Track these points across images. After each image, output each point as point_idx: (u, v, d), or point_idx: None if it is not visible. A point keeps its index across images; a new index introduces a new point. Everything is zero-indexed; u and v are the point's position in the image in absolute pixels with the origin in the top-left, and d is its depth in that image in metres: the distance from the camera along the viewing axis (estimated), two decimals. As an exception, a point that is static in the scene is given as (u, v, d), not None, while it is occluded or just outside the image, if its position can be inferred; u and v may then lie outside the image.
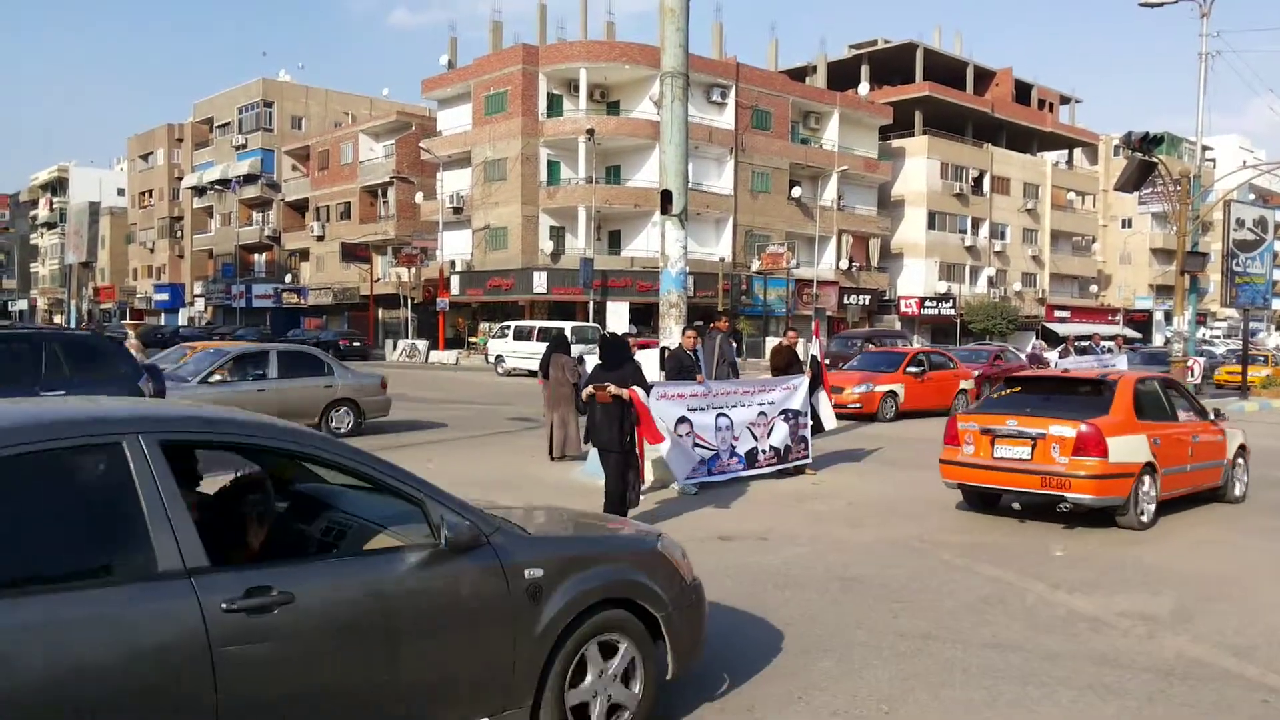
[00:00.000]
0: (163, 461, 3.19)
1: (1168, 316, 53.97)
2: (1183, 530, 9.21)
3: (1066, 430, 8.83)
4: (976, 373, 22.39)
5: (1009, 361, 26.40)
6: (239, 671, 3.08)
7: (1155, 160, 22.95)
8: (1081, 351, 24.03)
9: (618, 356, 8.82)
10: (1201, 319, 58.88)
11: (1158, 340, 60.03)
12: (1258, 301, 28.04)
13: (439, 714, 3.65)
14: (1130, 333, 63.47)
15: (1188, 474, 9.87)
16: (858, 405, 18.75)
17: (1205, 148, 28.98)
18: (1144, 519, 9.11)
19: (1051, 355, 23.41)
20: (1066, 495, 8.78)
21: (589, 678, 3.99)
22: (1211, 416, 10.60)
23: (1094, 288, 72.25)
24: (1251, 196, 56.37)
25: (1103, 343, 28.45)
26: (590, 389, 8.64)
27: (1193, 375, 24.38)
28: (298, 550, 3.92)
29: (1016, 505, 9.91)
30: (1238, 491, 10.81)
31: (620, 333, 9.76)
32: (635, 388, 8.57)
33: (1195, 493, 10.21)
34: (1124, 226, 76.03)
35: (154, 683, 2.95)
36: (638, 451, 8.84)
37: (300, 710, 3.26)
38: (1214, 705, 4.85)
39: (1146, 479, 9.12)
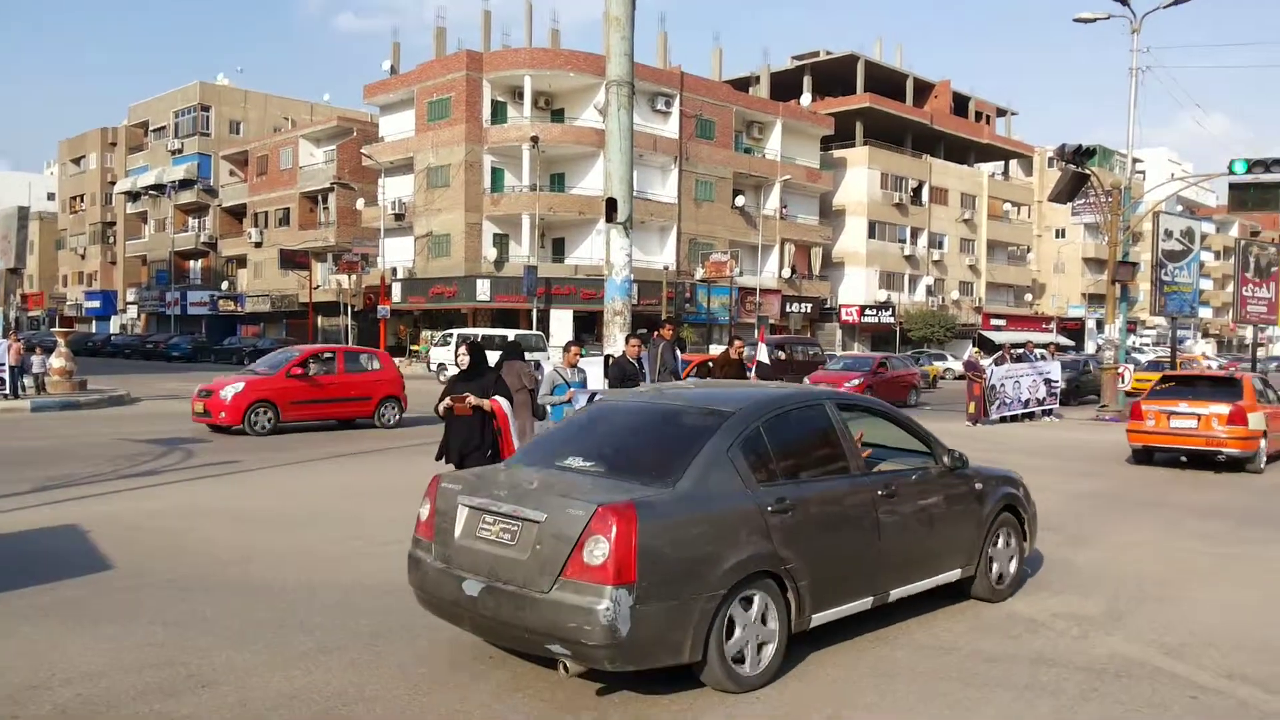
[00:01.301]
0: (840, 415, 5.97)
1: (1099, 324, 55.30)
2: (1115, 534, 9.44)
3: (1222, 409, 13.87)
4: (854, 381, 24.35)
5: (893, 369, 27.18)
6: (887, 519, 5.86)
7: (1088, 172, 23.56)
8: (1017, 359, 24.50)
9: (480, 366, 8.36)
10: (1132, 327, 60.52)
11: (1090, 348, 61.54)
12: (1185, 310, 28.89)
13: (944, 564, 6.38)
14: (1064, 340, 64.93)
15: (1277, 438, 14.73)
16: None
17: (1135, 160, 29.80)
18: (1261, 466, 14.20)
19: (987, 362, 23.86)
20: (1223, 449, 13.85)
21: (999, 544, 6.89)
22: None
23: (1029, 296, 73.84)
24: (1179, 208, 58.16)
25: (1036, 350, 29.04)
26: (448, 401, 8.07)
27: (1123, 382, 25.03)
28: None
29: (1184, 459, 14.67)
30: None
31: (479, 340, 8.86)
32: (498, 398, 8.11)
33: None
34: (1058, 237, 77.84)
35: (844, 513, 5.64)
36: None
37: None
38: (1145, 702, 4.97)
39: (1263, 440, 14.08)
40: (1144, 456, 14.98)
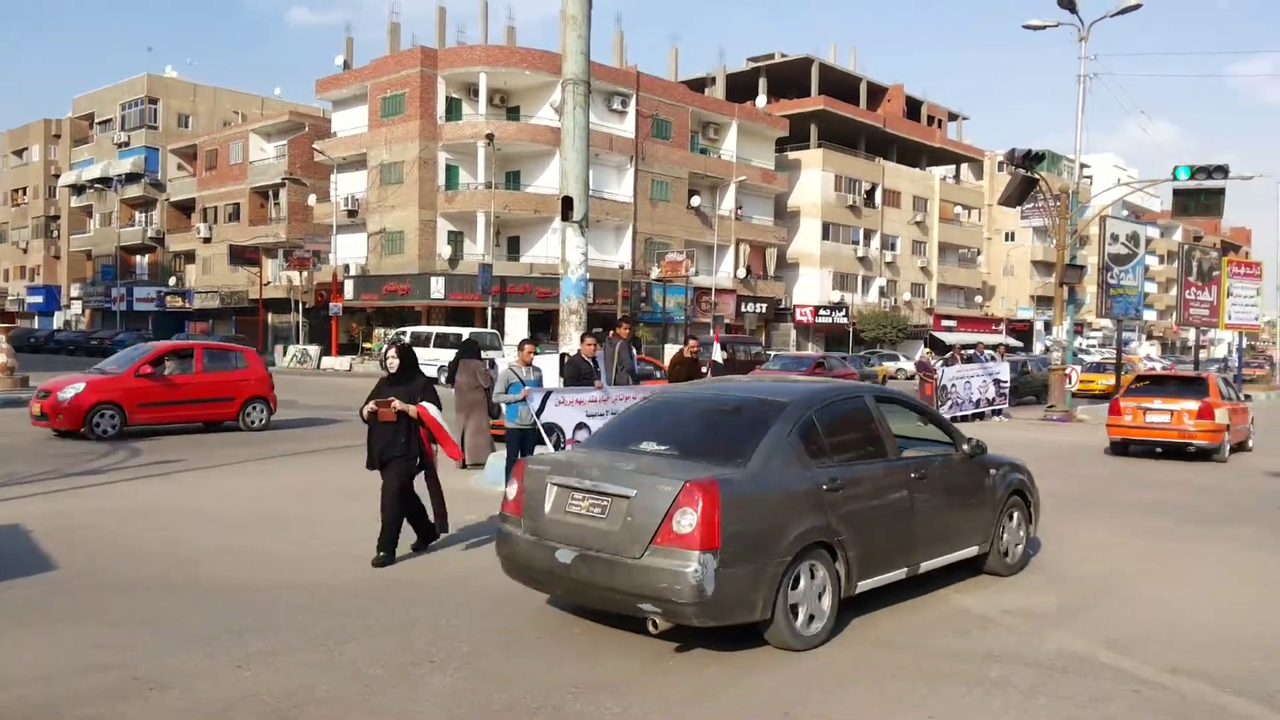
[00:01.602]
0: (879, 407, 6.71)
1: (1047, 326, 56.26)
2: (1067, 532, 9.59)
3: (1192, 405, 15.57)
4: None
5: (830, 369, 27.58)
6: (919, 499, 6.60)
7: (1037, 176, 23.94)
8: (967, 360, 24.85)
9: (409, 369, 7.77)
10: (1079, 329, 61.60)
11: (1038, 349, 62.59)
12: (1130, 312, 29.47)
13: (965, 541, 7.07)
14: (1012, 342, 65.87)
15: (1238, 431, 16.58)
16: None
17: (1083, 166, 30.32)
18: (1226, 455, 15.90)
19: (938, 363, 24.18)
20: (1193, 442, 15.50)
21: (1010, 524, 7.60)
22: (1245, 398, 17.81)
23: (979, 298, 74.92)
24: (1125, 213, 59.27)
25: (986, 351, 29.49)
26: (372, 405, 7.50)
27: (1070, 382, 25.49)
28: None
29: (1159, 450, 16.27)
30: (1251, 444, 17.60)
31: (407, 342, 8.23)
32: (425, 404, 7.55)
33: (1239, 442, 16.84)
34: (1007, 240, 79.06)
35: (884, 492, 6.36)
36: (435, 476, 7.95)
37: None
38: (1091, 697, 5.06)
39: (1227, 433, 15.78)
40: (1121, 449, 16.56)
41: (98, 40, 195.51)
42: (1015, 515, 7.64)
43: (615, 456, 5.93)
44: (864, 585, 6.07)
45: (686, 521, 5.17)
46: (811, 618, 5.69)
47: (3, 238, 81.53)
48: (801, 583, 5.62)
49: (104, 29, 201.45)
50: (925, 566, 6.63)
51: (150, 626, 5.83)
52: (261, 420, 17.14)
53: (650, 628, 5.50)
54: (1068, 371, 25.56)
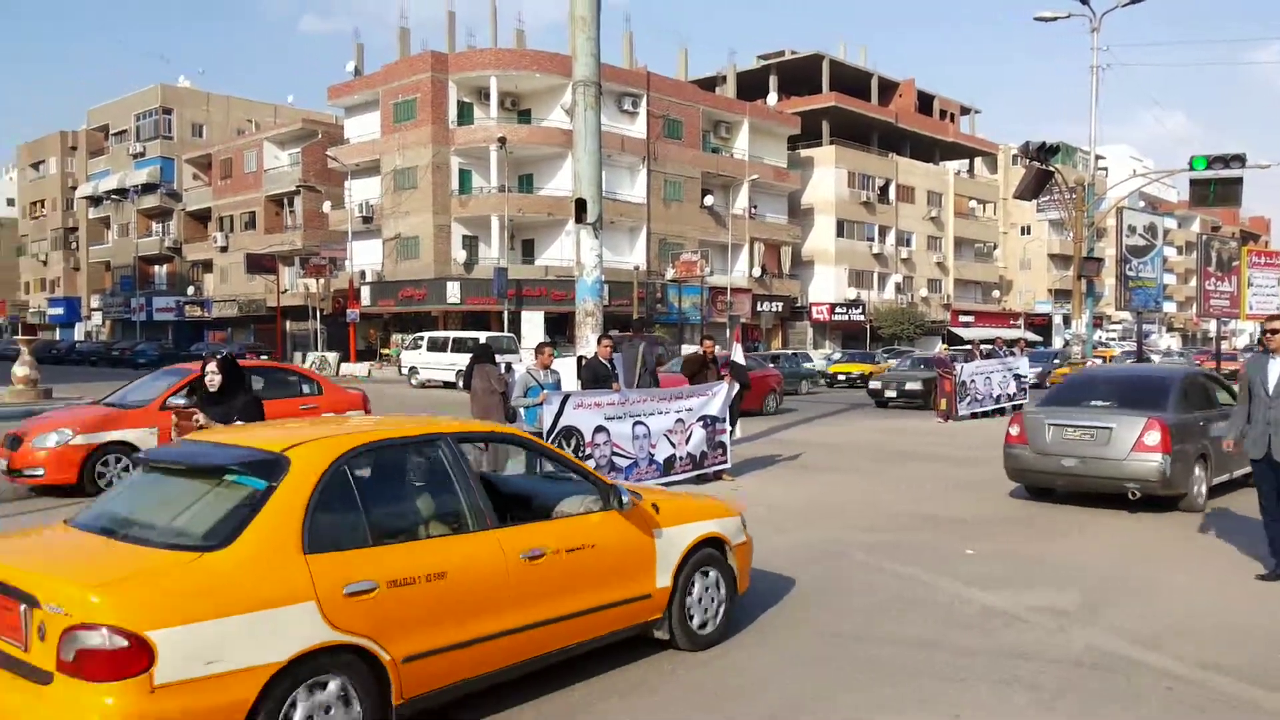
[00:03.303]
0: (1203, 379, 11.97)
1: (1066, 320, 55.93)
2: (1089, 527, 9.52)
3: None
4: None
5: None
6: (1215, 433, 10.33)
7: (1052, 169, 23.80)
8: (986, 355, 24.71)
9: (233, 386, 6.83)
10: (1098, 322, 61.20)
11: (1057, 343, 62.23)
12: (1150, 304, 29.28)
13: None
14: (1031, 336, 65.65)
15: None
16: None
17: (1098, 157, 30.14)
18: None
19: (958, 360, 24.04)
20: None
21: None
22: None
23: (996, 293, 74.56)
24: (1142, 204, 58.92)
25: (1004, 346, 29.33)
26: (172, 420, 6.75)
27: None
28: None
29: None
30: None
31: (233, 355, 7.87)
32: (242, 424, 6.46)
33: None
34: (1023, 233, 78.65)
35: (1208, 422, 10.67)
36: None
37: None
38: (1122, 693, 5.01)
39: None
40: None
41: (111, 52, 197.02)
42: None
43: (1079, 409, 10.43)
44: (1217, 480, 10.59)
45: (1152, 439, 9.58)
46: (1200, 495, 10.17)
47: (22, 250, 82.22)
48: (1200, 476, 10.16)
49: (117, 40, 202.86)
50: (1238, 473, 10.63)
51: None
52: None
53: (1130, 496, 9.79)
54: (1088, 364, 25.37)
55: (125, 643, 3.46)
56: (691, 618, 5.62)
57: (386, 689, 4.10)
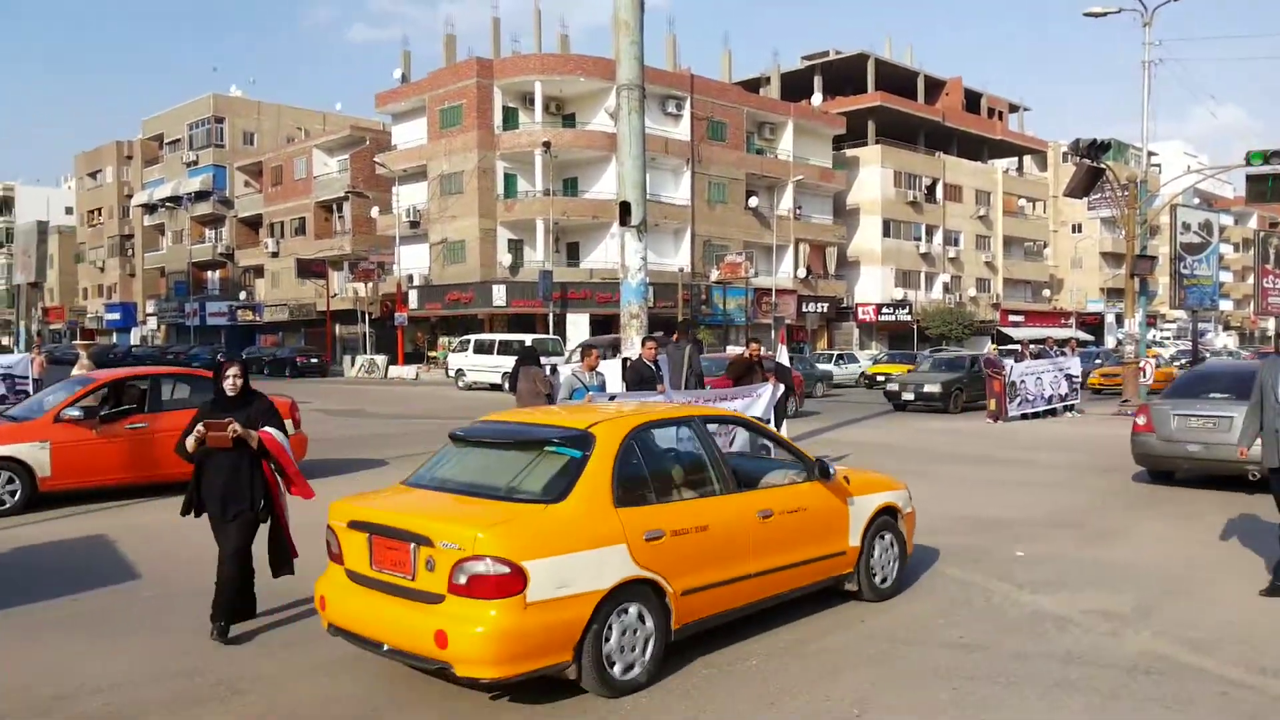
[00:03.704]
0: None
1: (1119, 319, 54.95)
2: (1140, 530, 9.37)
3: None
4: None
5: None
6: None
7: (1103, 166, 23.41)
8: (1036, 355, 24.36)
9: (250, 391, 6.31)
10: (1152, 321, 60.02)
11: (1109, 342, 61.15)
12: (1205, 303, 28.71)
13: None
14: (1083, 335, 64.61)
15: None
16: None
17: (1151, 154, 29.62)
18: None
19: (1008, 360, 23.71)
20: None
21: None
22: None
23: (1047, 292, 73.45)
24: (1196, 200, 57.68)
25: (1055, 346, 28.88)
26: (200, 429, 5.91)
27: (1145, 376, 24.85)
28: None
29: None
30: None
31: (229, 356, 6.25)
32: (269, 429, 6.08)
33: None
34: (1074, 231, 77.41)
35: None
36: (283, 519, 6.39)
37: None
38: (1175, 698, 4.93)
39: None
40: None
41: (164, 63, 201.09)
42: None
43: (1200, 400, 11.37)
44: None
45: None
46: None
47: (81, 257, 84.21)
48: None
49: (170, 52, 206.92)
50: None
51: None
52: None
53: (1249, 478, 10.29)
54: (1143, 365, 24.93)
55: (507, 570, 4.56)
56: (874, 574, 6.65)
57: (667, 617, 5.18)
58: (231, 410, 5.98)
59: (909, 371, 28.38)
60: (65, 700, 4.90)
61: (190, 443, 5.97)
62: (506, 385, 14.27)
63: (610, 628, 4.89)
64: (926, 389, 24.34)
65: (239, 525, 6.02)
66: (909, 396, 24.53)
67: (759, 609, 5.86)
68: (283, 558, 6.34)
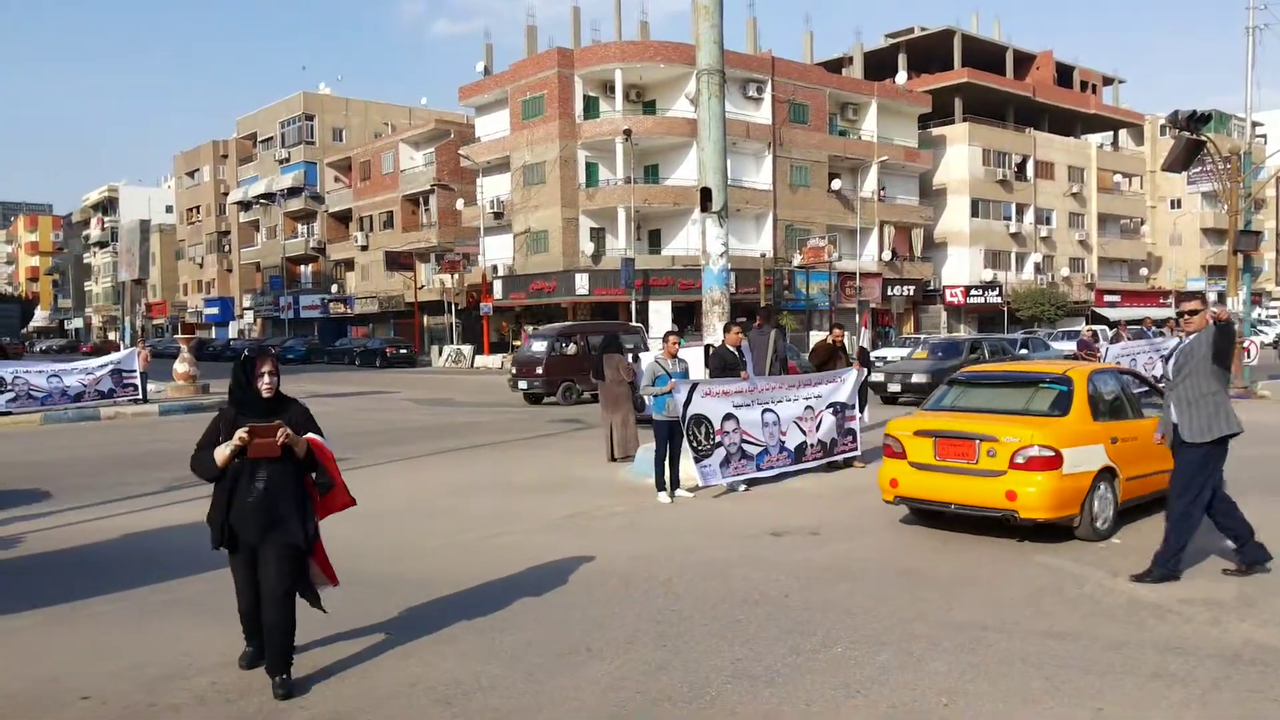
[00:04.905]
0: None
1: (1221, 297, 52.82)
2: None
3: None
4: None
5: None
6: None
7: (1203, 139, 22.48)
8: (1135, 336, 23.57)
9: (281, 394, 5.12)
10: (1256, 299, 57.53)
11: (1212, 322, 58.64)
12: (1315, 279, 27.37)
13: None
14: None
15: None
16: None
17: (1255, 123, 28.34)
18: None
19: (1103, 343, 23.01)
20: None
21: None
22: None
23: (1144, 270, 70.94)
24: (1305, 172, 55.01)
25: (1153, 326, 27.88)
26: (242, 433, 4.72)
27: (1249, 357, 23.87)
28: None
29: None
30: None
31: (260, 350, 5.40)
32: (313, 435, 5.05)
33: None
34: (1173, 207, 74.53)
35: None
36: (318, 541, 5.28)
37: None
38: (1283, 691, 4.75)
39: None
40: None
41: (255, 63, 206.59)
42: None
43: None
44: None
45: None
46: None
47: (180, 254, 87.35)
48: None
49: (261, 52, 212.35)
50: None
51: (323, 617, 6.13)
52: None
53: None
54: (1247, 345, 23.94)
55: (1051, 454, 7.52)
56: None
57: (1116, 495, 8.06)
58: (270, 414, 4.89)
59: (901, 360, 25.62)
60: (173, 680, 5.12)
61: (223, 454, 4.81)
62: (591, 373, 14.38)
63: (1094, 495, 7.69)
64: (914, 379, 21.26)
65: (288, 558, 4.96)
66: (895, 388, 21.61)
67: (1148, 500, 8.41)
68: (309, 585, 5.30)
